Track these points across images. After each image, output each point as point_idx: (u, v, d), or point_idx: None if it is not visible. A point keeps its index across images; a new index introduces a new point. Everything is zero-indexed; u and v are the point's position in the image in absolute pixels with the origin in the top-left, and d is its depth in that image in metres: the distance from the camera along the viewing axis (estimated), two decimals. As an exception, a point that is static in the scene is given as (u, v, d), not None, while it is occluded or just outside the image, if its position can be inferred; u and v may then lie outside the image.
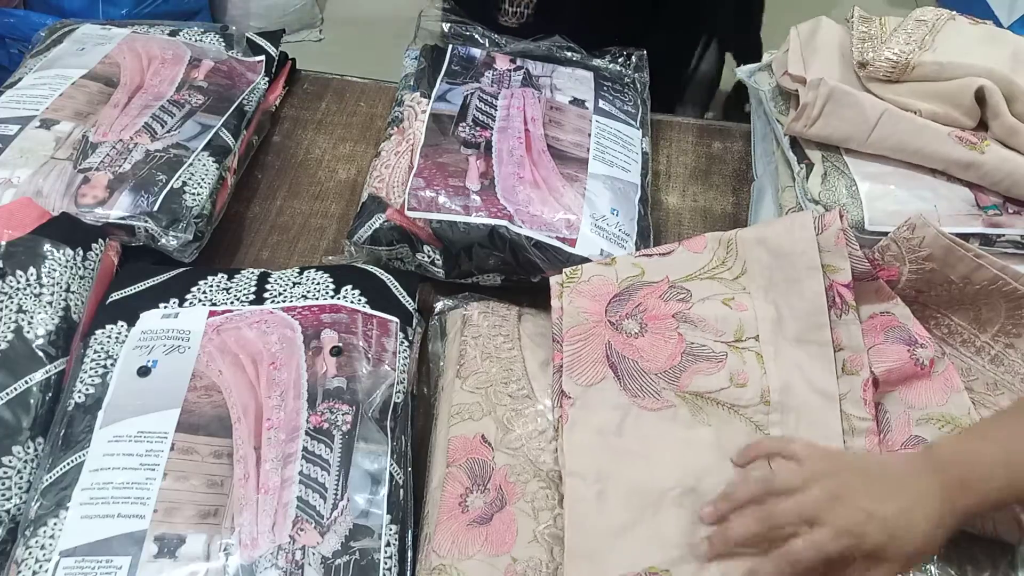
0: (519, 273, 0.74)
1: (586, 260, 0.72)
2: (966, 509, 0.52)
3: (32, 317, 0.62)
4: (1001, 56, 0.73)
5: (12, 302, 0.62)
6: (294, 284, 0.68)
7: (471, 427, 0.62)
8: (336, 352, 0.63)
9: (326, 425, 0.59)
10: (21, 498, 0.56)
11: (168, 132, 0.78)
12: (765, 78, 0.85)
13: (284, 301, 0.67)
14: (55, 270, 0.64)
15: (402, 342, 0.66)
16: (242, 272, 0.69)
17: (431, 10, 0.99)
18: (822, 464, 0.55)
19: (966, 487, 0.52)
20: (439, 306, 0.73)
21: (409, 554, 0.57)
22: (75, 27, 0.90)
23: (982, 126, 0.75)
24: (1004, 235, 0.71)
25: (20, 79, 0.82)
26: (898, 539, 0.51)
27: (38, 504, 0.54)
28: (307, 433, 0.58)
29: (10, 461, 0.57)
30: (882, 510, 0.51)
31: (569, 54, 0.95)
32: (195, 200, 0.73)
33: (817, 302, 0.64)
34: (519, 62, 0.92)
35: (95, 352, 0.62)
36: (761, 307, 0.66)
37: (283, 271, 0.70)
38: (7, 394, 0.58)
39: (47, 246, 0.65)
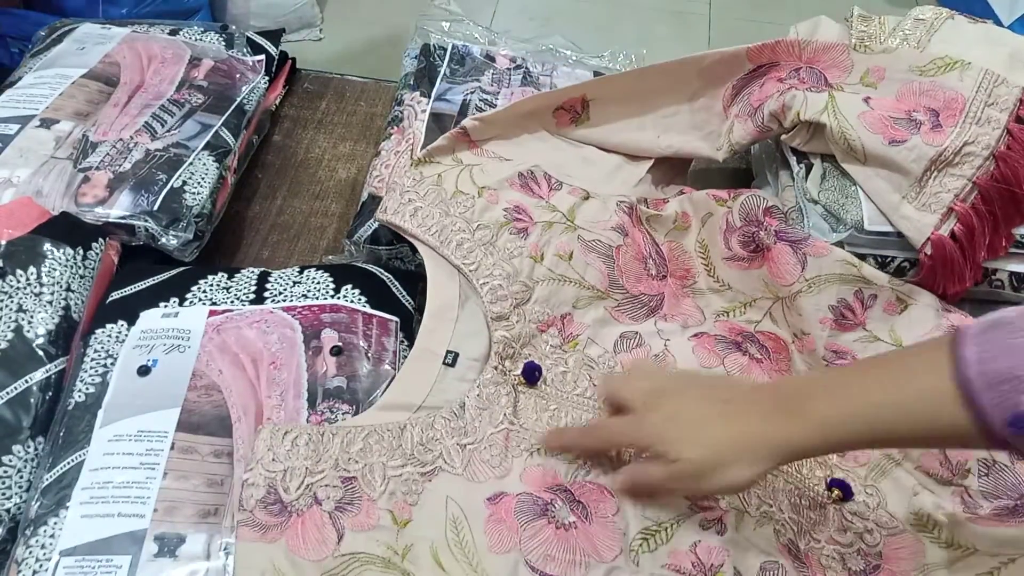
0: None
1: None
2: (804, 445, 0.51)
3: (32, 316, 0.62)
4: (1000, 55, 0.73)
5: (12, 301, 0.62)
6: (294, 283, 0.68)
7: None
8: (336, 352, 0.63)
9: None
10: (21, 497, 0.56)
11: (168, 131, 0.78)
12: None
13: (284, 300, 0.67)
14: (55, 269, 0.64)
15: (402, 341, 0.66)
16: (242, 271, 0.69)
17: (431, 10, 0.99)
18: (657, 381, 0.57)
19: (806, 422, 0.50)
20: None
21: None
22: (75, 26, 0.90)
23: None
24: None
25: (20, 78, 0.82)
26: (708, 478, 0.52)
27: (38, 503, 0.54)
28: (307, 432, 0.58)
29: (10, 460, 0.57)
30: (699, 450, 0.51)
31: (569, 53, 0.95)
32: (195, 199, 0.73)
33: None
34: (519, 61, 0.92)
35: (95, 351, 0.62)
36: None
37: (283, 270, 0.70)
38: (7, 393, 0.58)
39: (47, 245, 0.65)
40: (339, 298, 0.67)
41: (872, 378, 0.50)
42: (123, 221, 0.71)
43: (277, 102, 0.94)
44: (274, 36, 0.94)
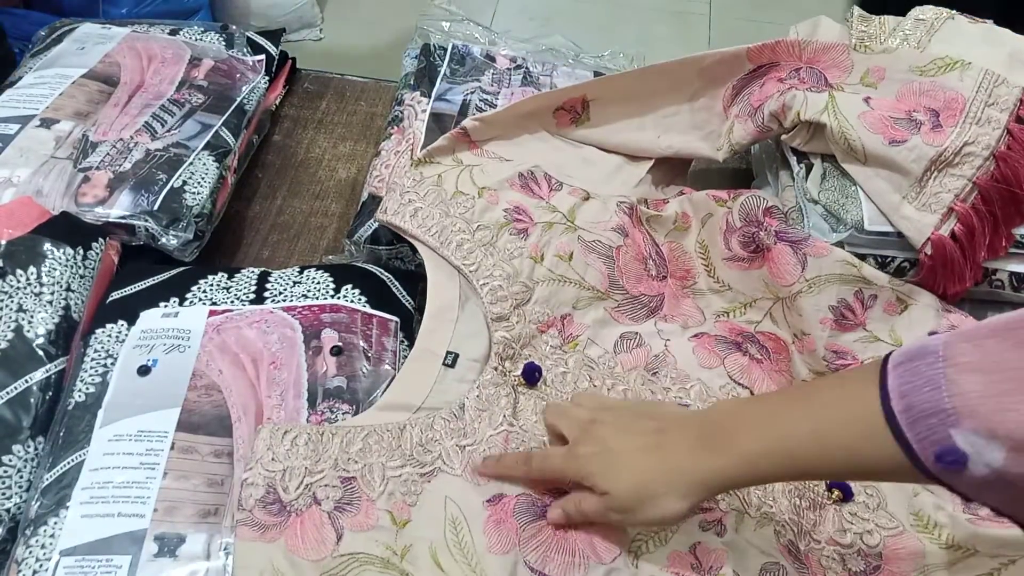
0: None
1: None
2: (732, 477, 0.50)
3: (32, 316, 0.62)
4: (1000, 55, 0.73)
5: (12, 301, 0.62)
6: (294, 283, 0.68)
7: None
8: (336, 352, 0.63)
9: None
10: (21, 497, 0.56)
11: (168, 131, 0.78)
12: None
13: (284, 300, 0.67)
14: (55, 269, 0.64)
15: (402, 341, 0.66)
16: (242, 271, 0.69)
17: (431, 9, 0.99)
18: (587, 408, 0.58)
19: (731, 455, 0.49)
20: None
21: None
22: (75, 26, 0.90)
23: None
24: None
25: (20, 78, 0.82)
26: (638, 511, 0.52)
27: (38, 503, 0.54)
28: (307, 432, 0.58)
29: (10, 460, 0.57)
30: (626, 483, 0.52)
31: (569, 53, 0.95)
32: (195, 199, 0.73)
33: None
34: (519, 61, 0.92)
35: (95, 351, 0.62)
36: None
37: (283, 270, 0.70)
38: (7, 393, 0.58)
39: (47, 245, 0.65)
40: (339, 298, 0.67)
41: (798, 410, 0.49)
42: (123, 221, 0.71)
43: (277, 102, 0.94)
44: (274, 36, 0.94)
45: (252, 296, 0.67)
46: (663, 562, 0.56)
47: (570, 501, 0.56)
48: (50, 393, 0.60)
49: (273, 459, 0.55)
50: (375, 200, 0.76)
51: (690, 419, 0.55)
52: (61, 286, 0.64)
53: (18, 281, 0.63)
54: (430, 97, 0.85)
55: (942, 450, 0.40)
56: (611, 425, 0.55)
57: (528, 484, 0.58)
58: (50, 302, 0.63)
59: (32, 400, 0.59)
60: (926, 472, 0.41)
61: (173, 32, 0.91)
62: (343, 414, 0.60)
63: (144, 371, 0.61)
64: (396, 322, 0.67)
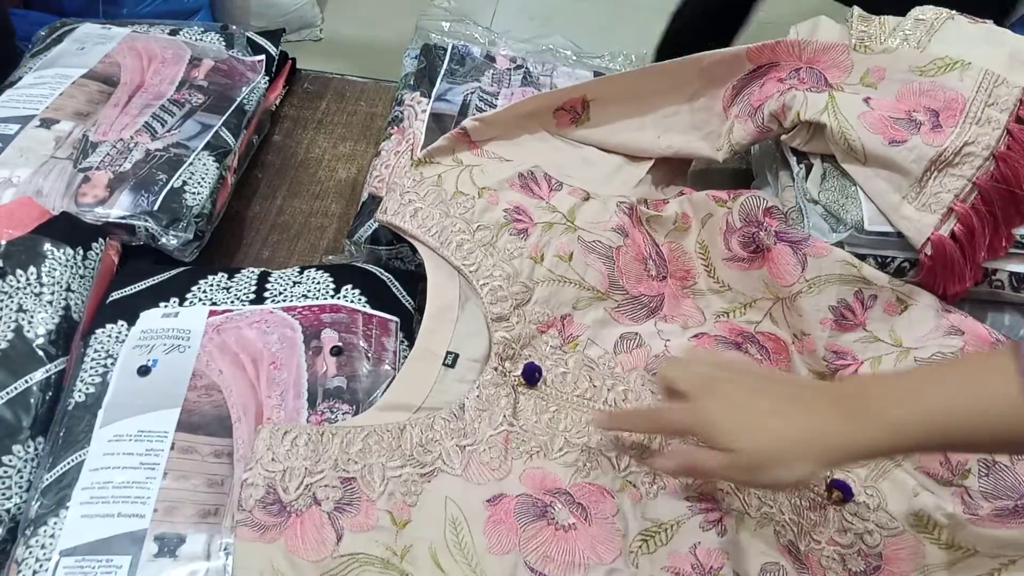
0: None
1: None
2: (868, 446, 0.50)
3: (32, 316, 0.62)
4: (1000, 56, 0.73)
5: (12, 301, 0.62)
6: (294, 283, 0.68)
7: None
8: (336, 352, 0.63)
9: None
10: (21, 497, 0.56)
11: (168, 131, 0.78)
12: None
13: (284, 300, 0.67)
14: (55, 269, 0.64)
15: (402, 341, 0.66)
16: (242, 271, 0.69)
17: (431, 10, 0.99)
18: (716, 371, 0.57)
19: (873, 423, 0.50)
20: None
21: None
22: (75, 26, 0.90)
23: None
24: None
25: (20, 78, 0.82)
26: (764, 471, 0.51)
27: (38, 503, 0.54)
28: (307, 432, 0.58)
29: (10, 460, 0.57)
30: (757, 442, 0.51)
31: (568, 53, 0.95)
32: (195, 199, 0.73)
33: None
34: (519, 61, 0.92)
35: (95, 351, 0.62)
36: None
37: (283, 270, 0.70)
38: (7, 393, 0.58)
39: (47, 245, 0.65)
40: (339, 298, 0.67)
41: (941, 384, 0.50)
42: (123, 221, 0.71)
43: (277, 102, 0.94)
44: (274, 36, 0.94)
45: (252, 296, 0.67)
46: (663, 562, 0.56)
47: (682, 454, 0.54)
48: (50, 393, 0.60)
49: (273, 459, 0.55)
50: (375, 200, 0.76)
51: (823, 388, 0.55)
52: (61, 286, 0.64)
53: (18, 281, 0.63)
54: (430, 97, 0.85)
55: None
56: (737, 383, 0.54)
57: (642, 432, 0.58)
58: (50, 302, 0.63)
59: (32, 400, 0.59)
60: None
61: (173, 32, 0.91)
62: (343, 414, 0.60)
63: (144, 371, 0.61)
64: (396, 322, 0.67)
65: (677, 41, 1.38)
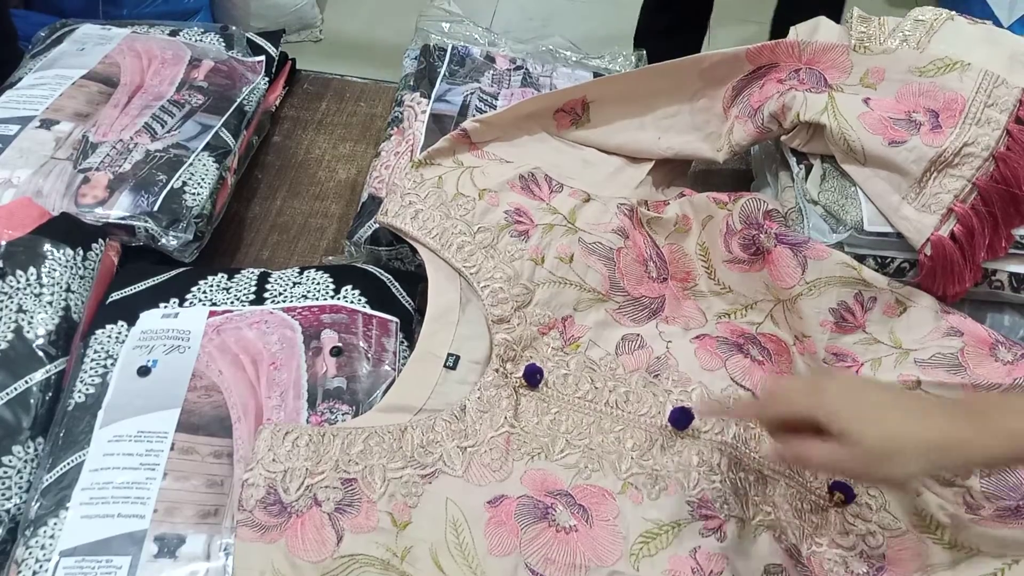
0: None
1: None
2: (984, 453, 0.50)
3: (32, 317, 0.62)
4: (999, 56, 0.73)
5: (12, 302, 0.62)
6: (294, 284, 0.68)
7: None
8: (336, 352, 0.63)
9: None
10: (21, 498, 0.56)
11: (168, 132, 0.78)
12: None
13: (284, 301, 0.67)
14: (55, 270, 0.64)
15: (402, 342, 0.66)
16: (242, 272, 0.69)
17: (431, 10, 0.99)
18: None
19: (994, 431, 0.50)
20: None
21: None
22: (75, 27, 0.90)
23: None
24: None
25: (20, 79, 0.82)
26: (878, 466, 0.51)
27: (38, 504, 0.54)
28: (307, 433, 0.58)
29: (10, 461, 0.57)
30: (878, 435, 0.50)
31: (568, 54, 0.95)
32: (195, 200, 0.73)
33: None
34: (519, 62, 0.92)
35: (95, 352, 0.62)
36: None
37: (283, 271, 0.70)
38: (7, 394, 0.58)
39: (47, 246, 0.65)
40: (339, 299, 0.67)
41: None
42: (123, 222, 0.71)
43: (277, 103, 0.94)
44: (274, 37, 0.94)
45: (252, 297, 0.67)
46: (664, 566, 0.56)
47: (805, 445, 0.53)
48: (50, 394, 0.60)
49: (274, 460, 0.55)
50: (375, 201, 0.76)
51: (944, 399, 0.56)
52: (61, 287, 0.64)
53: (18, 282, 0.63)
54: (430, 98, 0.85)
55: None
56: (859, 378, 0.55)
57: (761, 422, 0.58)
58: (50, 303, 0.63)
59: (32, 401, 0.59)
60: None
61: (173, 33, 0.91)
62: (343, 414, 0.60)
63: (144, 372, 0.61)
64: (396, 323, 0.67)
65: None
